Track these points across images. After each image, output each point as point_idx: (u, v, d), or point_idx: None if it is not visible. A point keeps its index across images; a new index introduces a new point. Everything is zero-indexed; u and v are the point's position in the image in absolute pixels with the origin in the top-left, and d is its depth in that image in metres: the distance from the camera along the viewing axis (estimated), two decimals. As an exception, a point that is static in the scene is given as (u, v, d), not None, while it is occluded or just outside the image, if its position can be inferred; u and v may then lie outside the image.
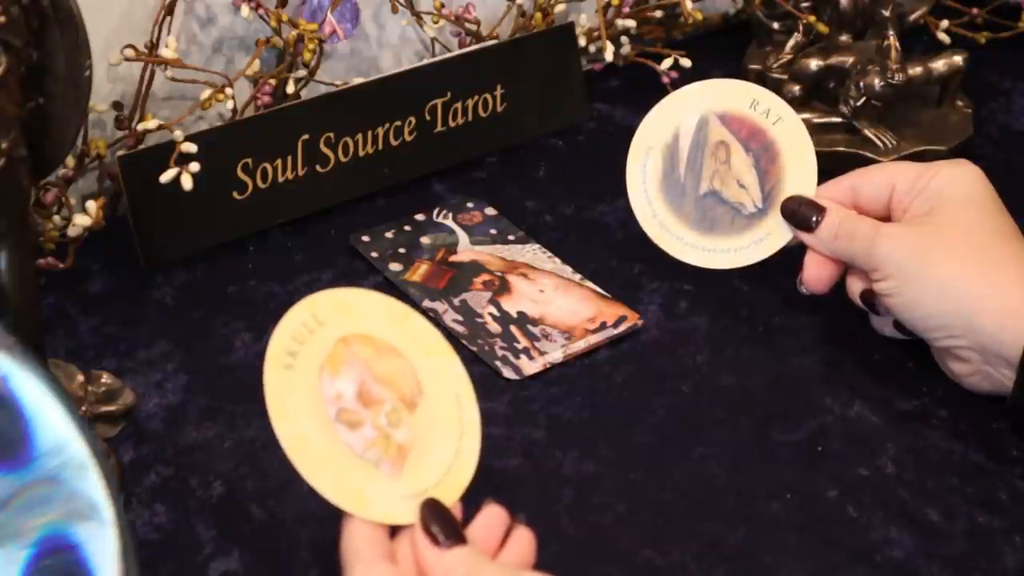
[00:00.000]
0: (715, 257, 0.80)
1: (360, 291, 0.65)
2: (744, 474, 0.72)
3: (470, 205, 0.92)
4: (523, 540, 0.61)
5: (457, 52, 0.96)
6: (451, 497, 0.62)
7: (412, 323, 0.64)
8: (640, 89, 0.96)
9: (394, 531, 0.61)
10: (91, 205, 0.82)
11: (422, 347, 0.64)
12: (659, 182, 0.81)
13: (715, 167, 0.80)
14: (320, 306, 0.63)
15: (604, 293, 0.84)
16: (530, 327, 0.81)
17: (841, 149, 0.94)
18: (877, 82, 0.92)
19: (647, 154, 0.81)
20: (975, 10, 1.06)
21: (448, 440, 0.63)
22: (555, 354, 0.79)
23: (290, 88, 0.89)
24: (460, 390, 0.64)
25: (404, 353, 0.63)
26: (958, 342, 0.73)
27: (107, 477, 0.51)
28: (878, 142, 0.94)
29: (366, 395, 0.62)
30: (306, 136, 0.89)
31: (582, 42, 1.00)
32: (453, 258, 0.87)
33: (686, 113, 0.81)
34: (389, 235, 0.89)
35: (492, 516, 0.61)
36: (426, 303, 0.82)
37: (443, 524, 0.60)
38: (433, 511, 0.60)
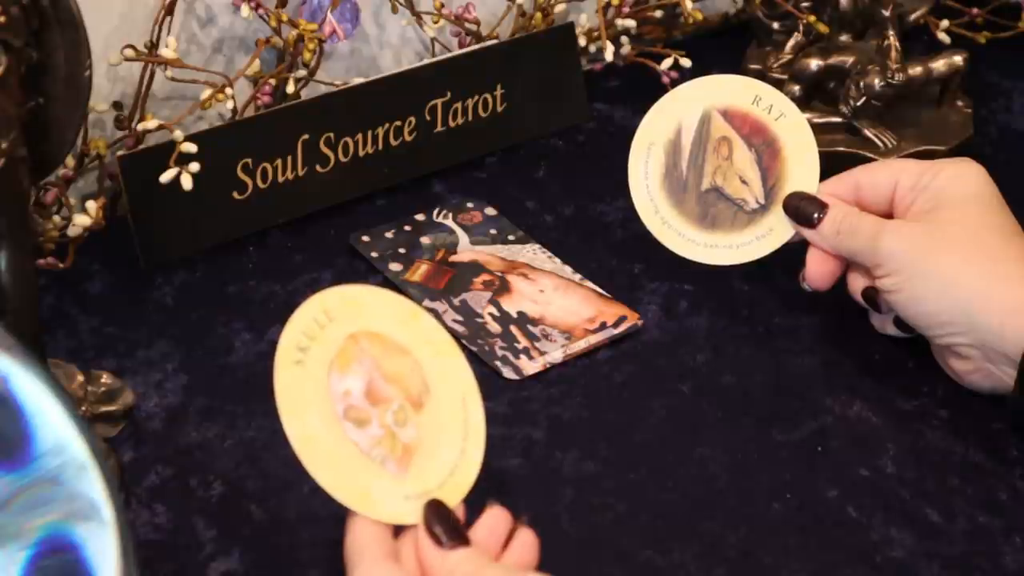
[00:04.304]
0: (717, 253, 0.80)
1: (371, 288, 0.65)
2: (744, 474, 0.72)
3: (470, 205, 0.92)
4: (526, 542, 0.61)
5: (457, 52, 0.96)
6: (455, 498, 0.62)
7: (421, 323, 0.64)
8: (640, 89, 0.95)
9: (398, 530, 0.61)
10: (91, 205, 0.82)
11: (431, 347, 0.64)
12: (661, 178, 0.81)
13: (717, 163, 0.80)
14: (331, 302, 0.62)
15: (604, 293, 0.84)
16: (530, 327, 0.81)
17: (841, 149, 0.94)
18: (877, 82, 0.92)
19: (649, 150, 0.81)
20: (975, 10, 1.06)
21: (453, 441, 0.63)
22: (555, 354, 0.79)
23: (290, 88, 0.89)
24: (466, 391, 0.64)
25: (412, 352, 0.63)
26: (960, 339, 0.73)
27: (107, 477, 0.51)
28: (878, 142, 0.94)
29: (374, 393, 0.62)
30: (306, 136, 0.89)
31: (582, 42, 1.00)
32: (453, 258, 0.87)
33: (688, 109, 0.81)
34: (389, 235, 0.89)
35: (495, 517, 0.61)
36: (426, 303, 0.82)
37: (446, 525, 0.60)
38: (436, 512, 0.60)
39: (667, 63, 0.99)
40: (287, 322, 0.62)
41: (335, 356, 0.62)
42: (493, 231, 0.89)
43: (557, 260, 0.87)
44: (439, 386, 0.63)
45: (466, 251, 0.87)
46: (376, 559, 0.58)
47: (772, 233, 0.80)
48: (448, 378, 0.64)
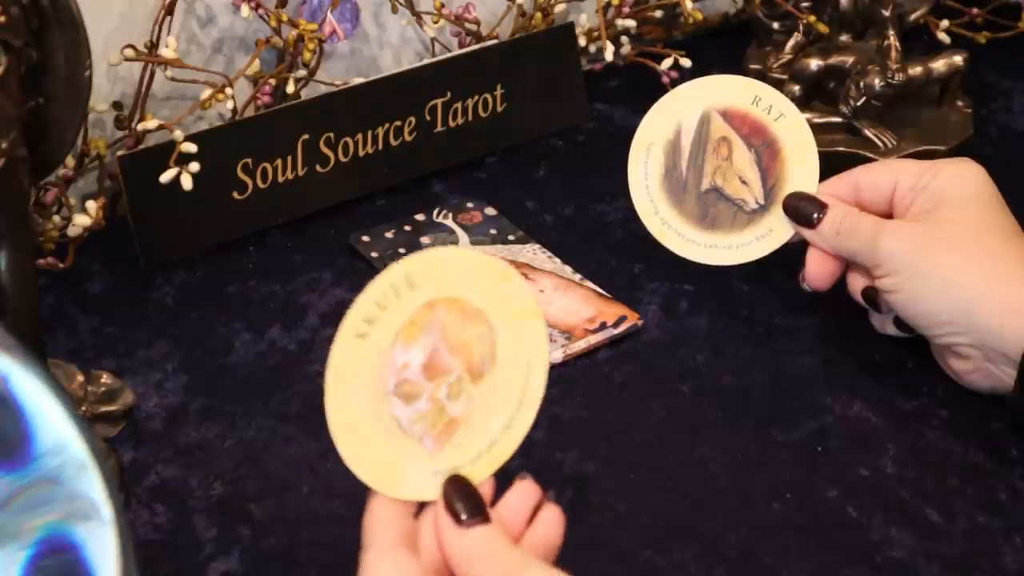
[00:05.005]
0: (717, 253, 0.80)
1: (462, 251, 0.63)
2: (744, 474, 0.72)
3: (470, 205, 0.92)
4: (551, 520, 0.59)
5: (457, 52, 0.96)
6: (486, 471, 0.59)
7: (509, 285, 0.61)
8: (640, 89, 0.96)
9: (424, 507, 0.59)
10: (91, 205, 0.82)
11: (511, 310, 0.61)
12: (661, 178, 0.81)
13: (717, 163, 0.80)
14: (417, 268, 0.60)
15: (604, 293, 0.84)
16: (530, 327, 0.81)
17: (841, 149, 0.94)
18: (877, 82, 0.93)
19: (649, 150, 0.81)
20: (975, 10, 1.06)
21: (504, 413, 0.60)
22: (555, 354, 0.79)
23: (290, 88, 0.89)
24: (534, 356, 0.61)
25: (490, 318, 0.61)
26: (959, 339, 0.73)
27: (107, 477, 0.51)
28: (878, 142, 0.94)
29: (434, 365, 0.60)
30: (306, 136, 0.89)
31: (582, 42, 1.00)
32: (453, 258, 0.87)
33: (688, 109, 0.81)
34: (389, 235, 0.89)
35: (522, 492, 0.59)
36: (426, 303, 0.82)
37: (466, 502, 0.57)
38: (457, 488, 0.58)
39: (667, 63, 0.99)
40: (363, 290, 0.59)
41: (405, 325, 0.60)
42: (493, 231, 0.89)
43: (557, 260, 0.87)
44: (508, 353, 0.61)
45: (466, 251, 0.87)
46: (386, 546, 0.56)
47: (772, 233, 0.80)
48: (519, 343, 0.61)
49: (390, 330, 0.59)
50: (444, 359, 0.60)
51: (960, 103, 0.97)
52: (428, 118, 0.93)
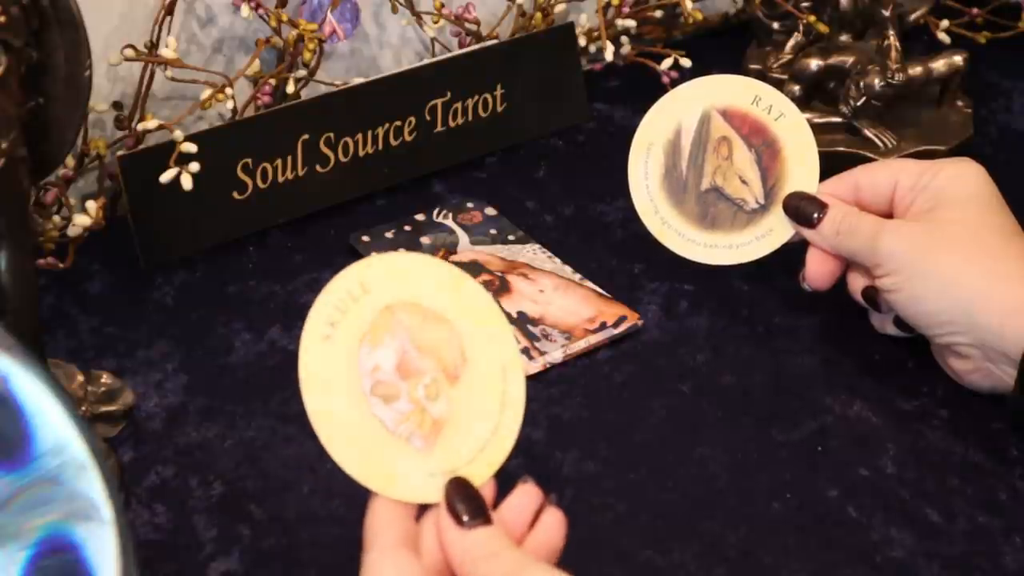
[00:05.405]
0: (717, 253, 0.80)
1: (413, 255, 0.62)
2: (744, 474, 0.72)
3: (470, 205, 0.92)
4: (552, 524, 0.59)
5: (457, 52, 0.96)
6: (484, 474, 0.60)
7: (467, 290, 0.62)
8: (640, 89, 0.96)
9: (426, 509, 0.59)
10: (91, 205, 0.82)
11: (474, 315, 0.61)
12: (661, 178, 0.81)
13: (717, 163, 0.80)
14: (370, 273, 0.61)
15: (604, 293, 0.84)
16: (530, 327, 0.81)
17: (841, 149, 0.94)
18: (877, 82, 0.93)
19: (649, 150, 0.81)
20: (975, 10, 1.06)
21: (488, 415, 0.61)
22: (555, 354, 0.79)
23: (290, 88, 0.89)
24: (507, 362, 0.61)
25: (453, 322, 0.61)
26: (960, 339, 0.73)
27: (107, 477, 0.51)
28: (878, 142, 0.94)
29: (405, 366, 0.60)
30: (306, 136, 0.89)
31: (582, 42, 1.00)
32: (453, 258, 0.87)
33: (688, 109, 0.81)
34: (389, 235, 0.89)
35: (524, 496, 0.59)
36: (426, 303, 0.82)
37: (468, 503, 0.58)
38: (458, 489, 0.58)
39: (667, 63, 0.99)
40: (320, 293, 0.60)
41: (368, 329, 0.60)
42: (493, 231, 0.89)
43: (557, 260, 0.87)
44: (478, 356, 0.61)
45: (466, 251, 0.87)
46: (387, 546, 0.56)
47: (772, 233, 0.80)
48: (489, 348, 0.61)
49: (353, 335, 0.60)
50: (415, 361, 0.60)
51: (960, 103, 0.97)
52: (428, 118, 0.93)
